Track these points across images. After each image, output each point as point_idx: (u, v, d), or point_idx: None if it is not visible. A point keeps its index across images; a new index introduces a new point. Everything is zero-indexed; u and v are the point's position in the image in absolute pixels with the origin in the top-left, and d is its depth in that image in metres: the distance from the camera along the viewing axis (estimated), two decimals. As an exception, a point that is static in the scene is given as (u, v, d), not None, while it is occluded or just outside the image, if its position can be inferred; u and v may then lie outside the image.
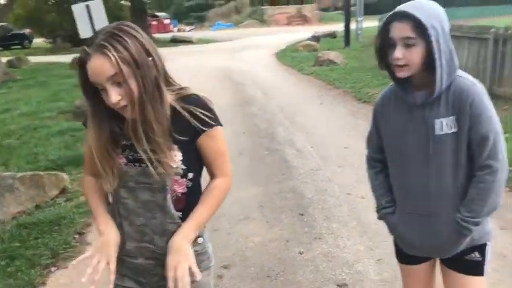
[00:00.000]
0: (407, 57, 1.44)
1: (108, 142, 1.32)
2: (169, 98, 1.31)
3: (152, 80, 1.25)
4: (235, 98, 8.62)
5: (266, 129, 6.30)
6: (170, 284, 1.27)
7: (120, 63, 1.18)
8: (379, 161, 1.73)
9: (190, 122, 1.31)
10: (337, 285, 2.72)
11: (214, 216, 3.87)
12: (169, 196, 1.33)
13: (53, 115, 7.81)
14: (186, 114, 1.31)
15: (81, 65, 1.23)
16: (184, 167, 1.33)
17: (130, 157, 1.33)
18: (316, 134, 5.90)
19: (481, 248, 1.58)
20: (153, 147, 1.28)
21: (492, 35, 6.70)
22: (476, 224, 1.50)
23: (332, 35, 19.72)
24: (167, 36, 26.97)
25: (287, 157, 5.06)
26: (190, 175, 1.36)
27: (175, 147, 1.32)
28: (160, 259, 1.37)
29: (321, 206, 3.79)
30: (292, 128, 6.22)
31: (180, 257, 1.30)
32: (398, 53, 1.43)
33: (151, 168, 1.28)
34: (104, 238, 1.35)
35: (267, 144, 5.60)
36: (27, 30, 29.06)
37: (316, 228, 3.43)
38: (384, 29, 1.49)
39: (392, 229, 1.69)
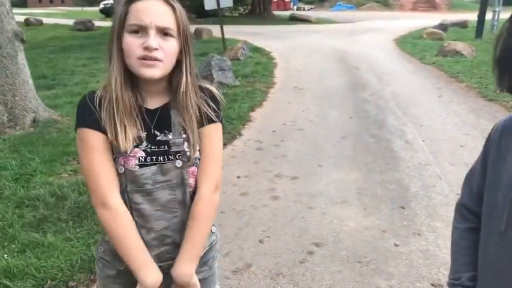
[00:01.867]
0: None
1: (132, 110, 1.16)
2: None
3: (192, 52, 1.19)
4: (347, 81, 8.43)
5: (375, 116, 6.09)
6: None
7: (182, 20, 1.14)
8: (475, 214, 1.17)
9: (201, 109, 1.21)
10: (432, 284, 2.59)
11: (311, 194, 3.89)
12: (188, 189, 1.21)
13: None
14: (202, 101, 1.22)
15: (129, 1, 1.11)
16: (199, 157, 1.23)
17: (148, 150, 1.17)
18: (430, 127, 5.55)
19: None
20: (180, 131, 1.19)
21: None
22: None
23: (462, 25, 18.13)
24: (286, 13, 27.08)
25: (395, 147, 4.86)
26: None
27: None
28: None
29: (425, 202, 3.59)
30: (404, 118, 5.93)
31: None
32: None
33: (168, 164, 1.17)
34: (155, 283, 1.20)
35: (375, 131, 5.42)
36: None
37: (416, 223, 3.28)
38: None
39: None
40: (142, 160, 1.16)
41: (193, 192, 1.24)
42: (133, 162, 1.15)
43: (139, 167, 1.15)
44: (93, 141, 1.14)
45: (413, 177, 4.09)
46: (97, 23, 20.85)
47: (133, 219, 1.18)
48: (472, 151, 4.72)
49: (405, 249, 2.95)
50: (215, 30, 13.63)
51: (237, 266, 2.77)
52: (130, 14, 1.10)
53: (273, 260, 2.84)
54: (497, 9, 15.64)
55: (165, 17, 1.11)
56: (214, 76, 7.60)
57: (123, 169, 1.16)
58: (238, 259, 2.85)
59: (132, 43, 1.09)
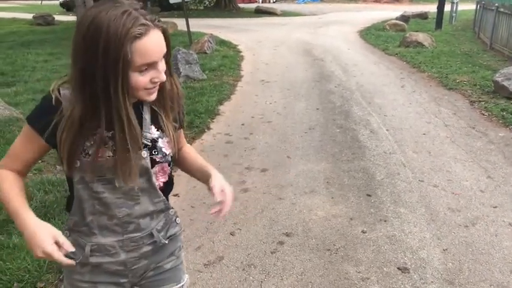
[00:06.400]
0: None
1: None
2: None
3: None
4: (313, 73, 8.53)
5: (341, 106, 6.20)
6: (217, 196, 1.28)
7: (169, 37, 1.14)
8: None
9: (180, 108, 1.29)
10: (398, 268, 2.69)
11: (281, 185, 3.94)
12: (153, 176, 1.23)
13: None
14: (179, 111, 1.29)
15: (136, 38, 1.03)
16: (172, 154, 1.27)
17: (115, 149, 1.15)
18: (393, 117, 5.71)
19: None
20: (149, 127, 1.21)
21: None
22: None
23: (423, 16, 18.57)
24: (252, 6, 27.01)
25: (360, 137, 4.98)
26: (172, 163, 1.30)
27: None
28: (143, 249, 1.28)
29: (390, 190, 3.71)
30: (369, 109, 6.07)
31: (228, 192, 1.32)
32: None
33: (131, 155, 1.15)
34: (28, 230, 1.11)
35: (341, 122, 5.53)
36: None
37: (382, 210, 3.38)
38: None
39: None
40: (112, 155, 1.16)
41: (164, 183, 1.29)
42: (98, 157, 1.15)
43: (101, 159, 1.16)
44: (31, 140, 1.18)
45: (378, 165, 4.21)
46: (58, 17, 20.13)
47: (95, 208, 1.20)
48: (434, 139, 4.90)
49: (372, 236, 3.05)
50: (180, 23, 13.45)
51: (209, 259, 2.79)
52: (135, 53, 1.03)
53: (244, 252, 2.88)
54: (455, 0, 16.14)
55: (164, 44, 1.10)
56: (181, 70, 7.53)
57: (78, 163, 1.15)
58: (210, 252, 2.87)
59: (142, 81, 1.09)
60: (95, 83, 1.04)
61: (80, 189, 1.19)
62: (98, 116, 1.08)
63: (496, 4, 10.76)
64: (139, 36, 1.02)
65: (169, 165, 1.27)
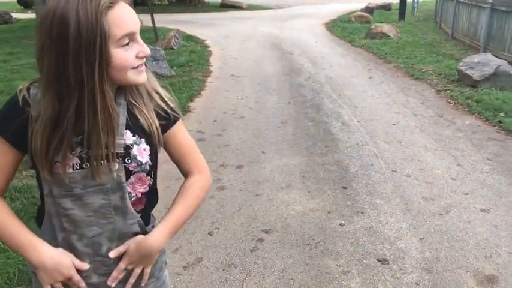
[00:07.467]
0: None
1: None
2: None
3: None
4: (282, 66, 8.53)
5: (312, 100, 6.23)
6: (115, 273, 1.15)
7: None
8: None
9: (162, 109, 1.14)
10: (377, 259, 2.72)
11: (257, 181, 3.91)
12: (127, 194, 1.11)
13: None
14: (160, 100, 1.15)
15: (109, 8, 0.97)
16: (151, 163, 1.13)
17: (83, 155, 1.04)
18: (363, 108, 5.78)
19: None
20: (122, 133, 1.08)
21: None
22: None
23: (386, 7, 18.92)
24: (217, 0, 26.76)
25: (332, 130, 5.01)
26: (152, 172, 1.16)
27: (143, 140, 1.12)
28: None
29: (365, 181, 3.75)
30: (339, 101, 6.12)
31: (144, 261, 1.17)
32: None
33: (102, 167, 1.05)
34: (50, 259, 1.09)
35: (313, 115, 5.55)
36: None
37: (358, 202, 3.41)
38: None
39: None
40: (78, 168, 1.05)
41: (144, 193, 1.16)
42: (64, 170, 1.04)
43: (69, 171, 1.05)
44: (2, 151, 1.07)
45: (352, 157, 4.24)
46: (15, 15, 19.37)
47: (63, 226, 1.10)
48: (404, 129, 4.98)
49: (350, 228, 3.06)
50: (145, 19, 13.14)
51: (188, 261, 2.74)
52: (112, 25, 0.97)
53: (223, 251, 2.84)
54: (417, -9, 16.50)
55: (137, 16, 1.03)
56: (148, 67, 7.32)
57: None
58: (188, 254, 2.81)
59: (128, 57, 1.01)
60: (65, 76, 0.95)
61: (49, 204, 1.09)
62: (66, 115, 0.98)
63: (456, -6, 11.05)
64: (111, 5, 0.97)
65: (148, 175, 1.14)
